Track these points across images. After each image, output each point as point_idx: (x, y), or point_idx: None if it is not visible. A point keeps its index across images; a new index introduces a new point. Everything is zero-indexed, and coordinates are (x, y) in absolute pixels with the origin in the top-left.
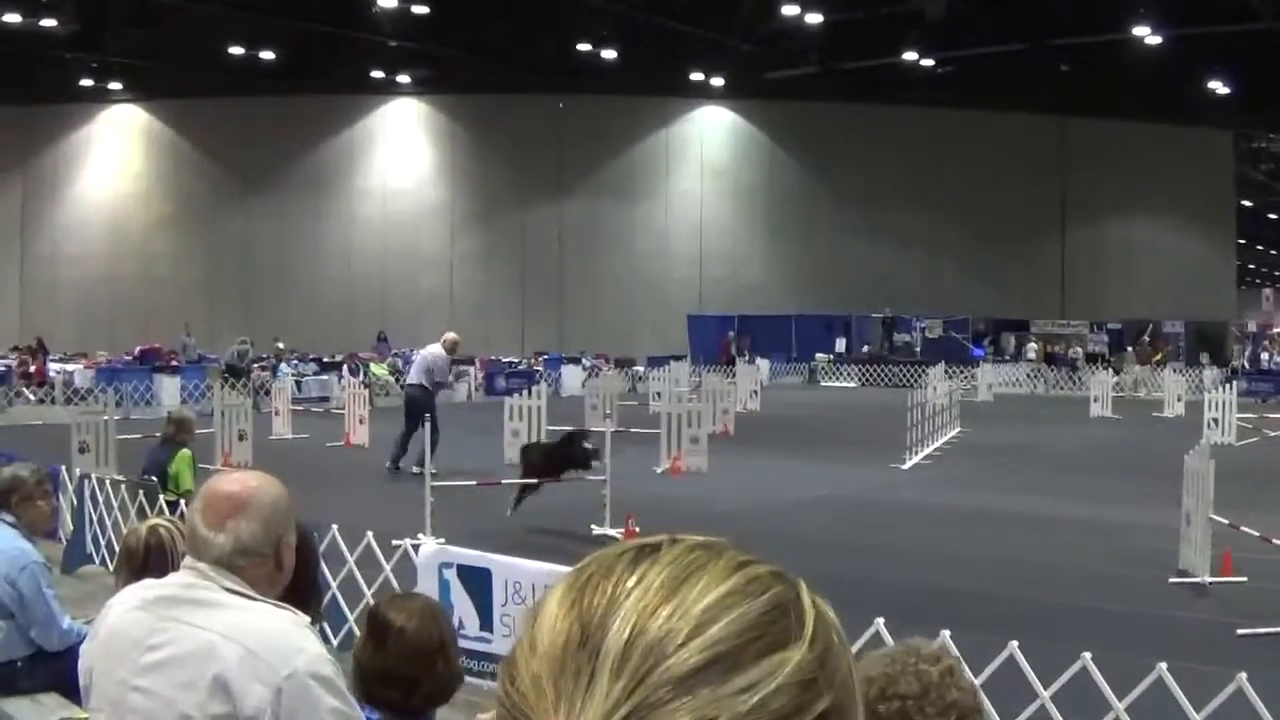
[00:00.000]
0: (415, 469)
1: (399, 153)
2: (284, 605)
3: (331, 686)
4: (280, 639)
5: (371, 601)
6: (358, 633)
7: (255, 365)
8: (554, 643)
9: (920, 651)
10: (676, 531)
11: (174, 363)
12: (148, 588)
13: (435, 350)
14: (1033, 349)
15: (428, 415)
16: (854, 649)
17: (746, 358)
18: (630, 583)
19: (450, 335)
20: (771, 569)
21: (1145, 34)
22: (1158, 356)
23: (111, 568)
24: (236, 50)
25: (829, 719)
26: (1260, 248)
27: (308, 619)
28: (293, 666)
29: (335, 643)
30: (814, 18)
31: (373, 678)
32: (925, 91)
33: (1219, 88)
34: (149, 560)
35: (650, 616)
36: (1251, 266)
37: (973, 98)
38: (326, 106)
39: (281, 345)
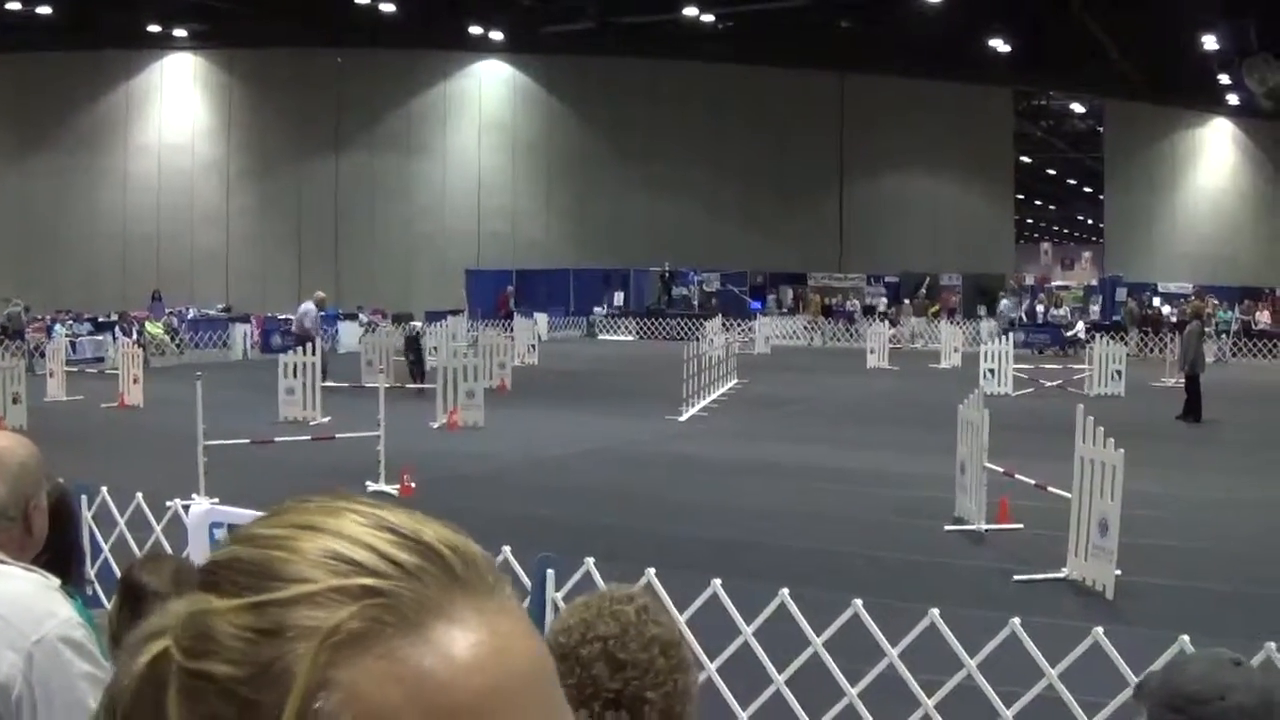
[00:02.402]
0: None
1: (175, 108)
2: (34, 569)
3: (83, 651)
4: (29, 604)
5: None
6: None
7: (30, 326)
8: None
9: (614, 594)
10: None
11: None
12: None
13: (305, 305)
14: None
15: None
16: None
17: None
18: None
19: (319, 293)
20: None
21: None
22: (934, 309)
23: None
24: (13, 5)
25: None
26: (1039, 203)
27: (58, 582)
28: (43, 631)
29: (108, 607)
30: None
31: None
32: (706, 47)
33: (999, 45)
34: None
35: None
36: (1030, 221)
37: (753, 53)
38: (102, 62)
39: (19, 304)
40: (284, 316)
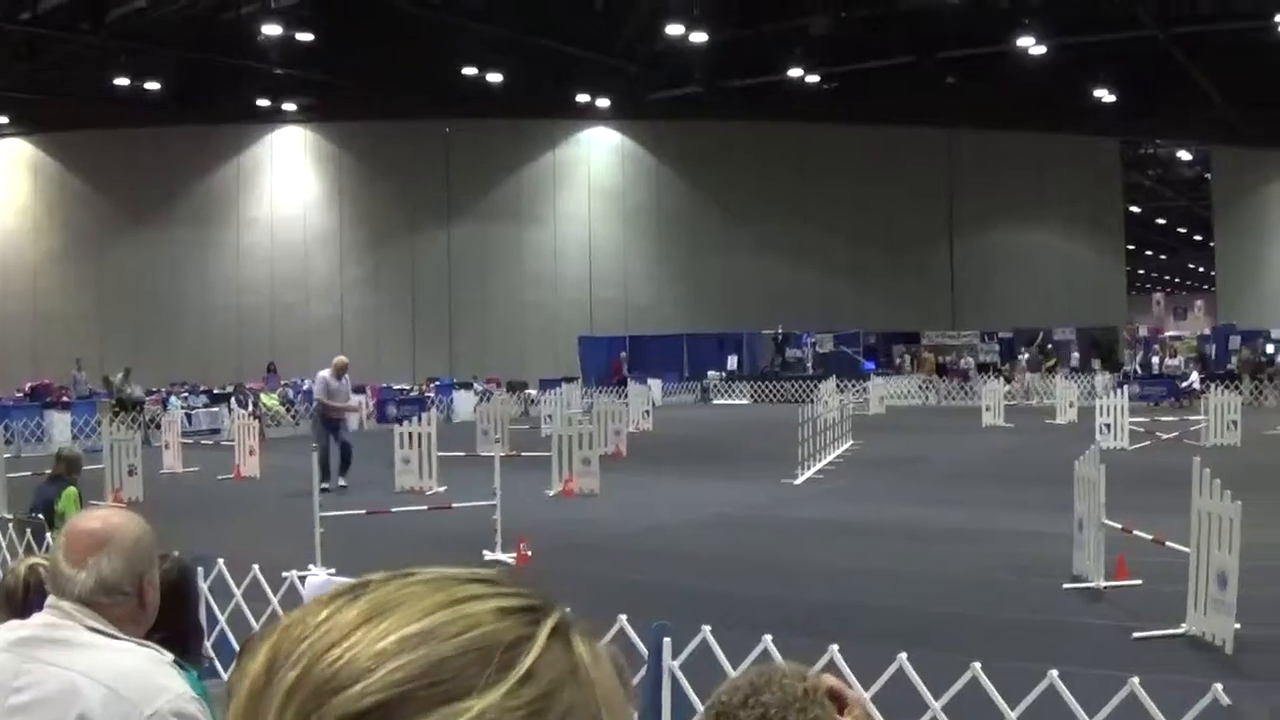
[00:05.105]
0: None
1: (286, 181)
2: (147, 644)
3: None
4: (142, 678)
5: None
6: None
7: (147, 398)
8: (246, 687)
9: (789, 669)
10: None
11: (65, 398)
12: (11, 629)
13: (320, 374)
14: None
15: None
16: (744, 665)
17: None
18: (320, 618)
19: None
20: (501, 606)
21: (1030, 45)
22: (1050, 363)
23: None
24: (122, 81)
25: None
26: (1149, 253)
27: (171, 657)
28: (155, 706)
29: (225, 679)
30: (698, 37)
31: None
32: (812, 107)
33: (1105, 95)
34: (29, 600)
35: (322, 656)
36: (1141, 272)
37: (859, 112)
38: (213, 136)
39: (114, 379)
40: (399, 386)
